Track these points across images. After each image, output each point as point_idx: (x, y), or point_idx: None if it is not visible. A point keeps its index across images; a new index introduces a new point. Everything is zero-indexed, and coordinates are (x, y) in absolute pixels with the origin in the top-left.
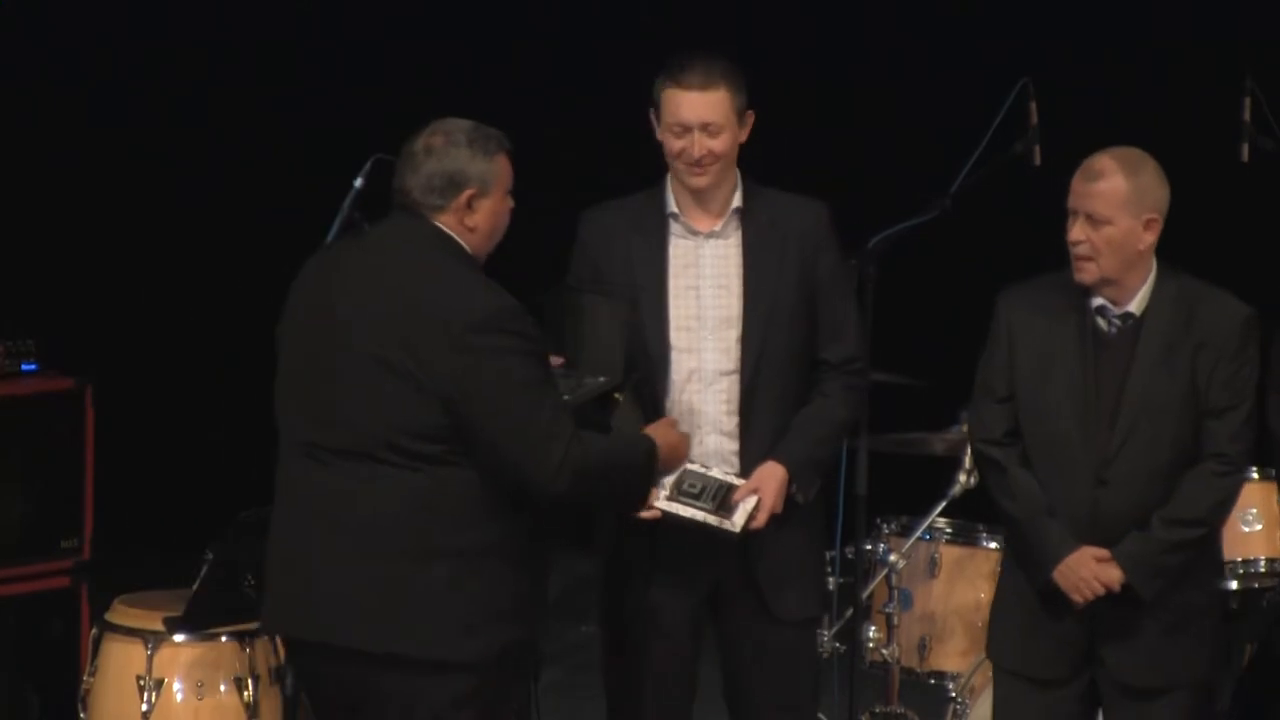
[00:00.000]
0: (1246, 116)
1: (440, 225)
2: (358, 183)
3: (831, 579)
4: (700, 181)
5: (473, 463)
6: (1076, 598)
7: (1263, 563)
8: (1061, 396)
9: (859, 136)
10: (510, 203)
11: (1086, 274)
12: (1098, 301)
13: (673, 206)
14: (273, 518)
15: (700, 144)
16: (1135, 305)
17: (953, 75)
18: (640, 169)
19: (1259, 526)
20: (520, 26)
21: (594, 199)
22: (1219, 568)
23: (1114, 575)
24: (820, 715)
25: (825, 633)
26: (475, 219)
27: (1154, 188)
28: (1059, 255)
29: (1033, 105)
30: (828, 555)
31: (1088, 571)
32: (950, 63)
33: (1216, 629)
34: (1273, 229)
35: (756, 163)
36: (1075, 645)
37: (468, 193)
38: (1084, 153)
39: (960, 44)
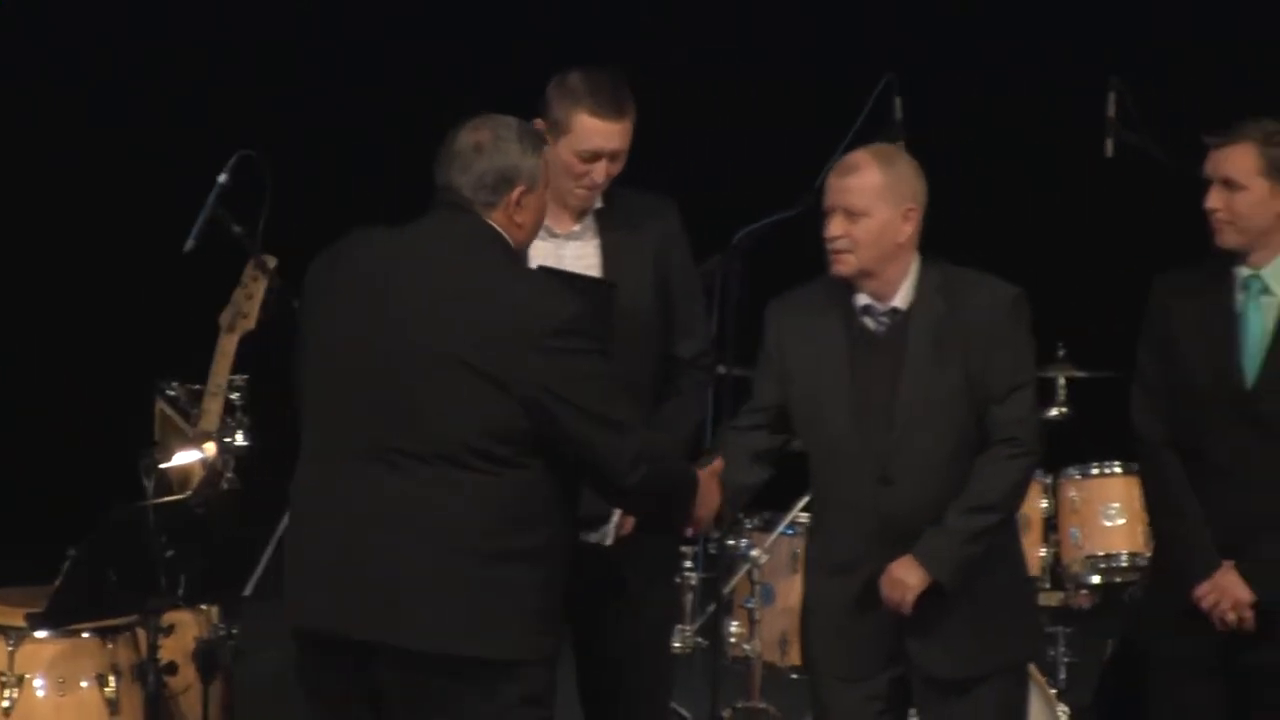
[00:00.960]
0: (1111, 112)
1: (491, 223)
2: (222, 179)
3: (694, 574)
4: (590, 200)
5: (541, 464)
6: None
7: (1124, 557)
8: (835, 399)
9: (729, 135)
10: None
11: (844, 266)
12: (863, 301)
13: None
14: (310, 519)
15: (606, 170)
16: (900, 300)
17: (821, 72)
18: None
19: (1121, 521)
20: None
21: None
22: (1019, 553)
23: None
24: (682, 711)
25: (687, 628)
26: (524, 216)
27: (909, 179)
28: (922, 246)
29: (897, 101)
30: (690, 551)
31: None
32: (819, 59)
33: (1023, 612)
34: (1136, 221)
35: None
36: (885, 642)
37: (519, 189)
38: (950, 147)
39: (829, 41)
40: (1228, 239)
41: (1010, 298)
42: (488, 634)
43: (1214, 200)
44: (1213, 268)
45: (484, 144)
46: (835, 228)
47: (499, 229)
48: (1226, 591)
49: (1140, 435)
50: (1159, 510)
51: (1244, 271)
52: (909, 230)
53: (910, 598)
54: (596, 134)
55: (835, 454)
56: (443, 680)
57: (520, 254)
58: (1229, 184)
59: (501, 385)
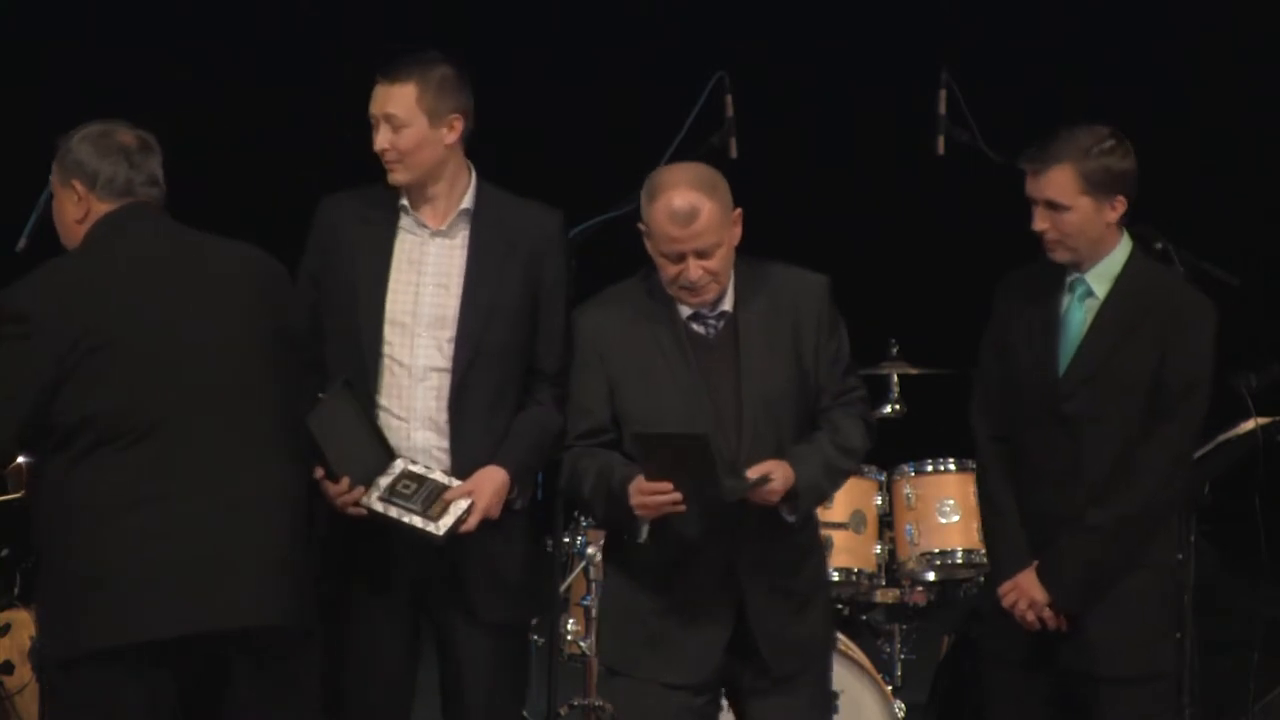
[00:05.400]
0: (942, 110)
1: None
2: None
3: None
4: (394, 177)
5: None
6: None
7: (960, 554)
8: (673, 405)
9: (560, 133)
10: None
11: (709, 294)
12: (687, 310)
13: (404, 198)
14: (153, 525)
15: (389, 138)
16: (726, 302)
17: (654, 69)
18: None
19: (956, 518)
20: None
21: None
22: (821, 549)
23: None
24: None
25: None
26: None
27: (724, 186)
28: (759, 243)
29: (728, 98)
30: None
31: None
32: (650, 56)
33: (828, 606)
34: (968, 219)
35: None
36: (713, 647)
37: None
38: (781, 145)
39: (661, 38)
40: (1060, 256)
41: (822, 284)
42: (309, 607)
43: (1040, 222)
44: (1048, 269)
45: (144, 145)
46: (694, 270)
47: None
48: (1024, 591)
49: (973, 431)
50: (983, 506)
51: (1072, 274)
52: (738, 232)
53: (778, 488)
54: (374, 97)
55: None
56: (289, 655)
57: None
58: (1053, 206)
59: (305, 345)
